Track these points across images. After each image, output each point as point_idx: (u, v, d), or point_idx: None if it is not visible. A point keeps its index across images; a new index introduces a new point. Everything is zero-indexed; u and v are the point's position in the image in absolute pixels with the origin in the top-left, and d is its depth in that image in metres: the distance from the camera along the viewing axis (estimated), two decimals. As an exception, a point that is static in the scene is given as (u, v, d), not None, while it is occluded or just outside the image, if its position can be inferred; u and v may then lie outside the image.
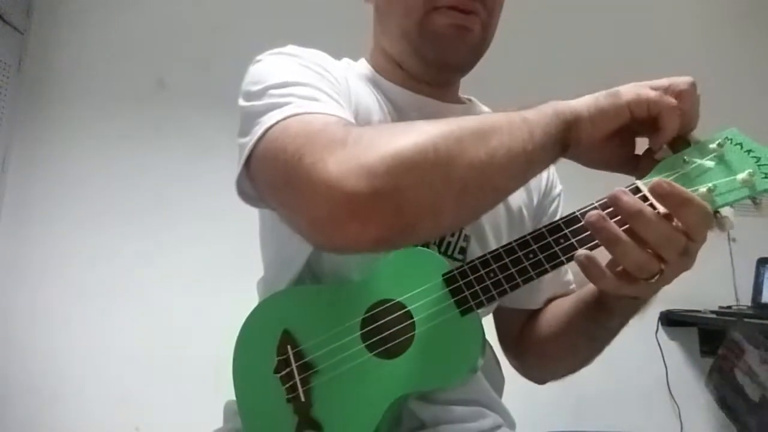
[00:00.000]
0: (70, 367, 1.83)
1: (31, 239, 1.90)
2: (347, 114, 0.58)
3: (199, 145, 1.95)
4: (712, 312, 2.04)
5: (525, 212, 0.79)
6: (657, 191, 0.50)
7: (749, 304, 2.10)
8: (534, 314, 0.82)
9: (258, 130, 0.55)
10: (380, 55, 0.78)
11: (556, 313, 0.79)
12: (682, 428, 2.10)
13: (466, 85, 0.85)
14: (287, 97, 0.57)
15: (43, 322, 1.85)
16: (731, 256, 2.14)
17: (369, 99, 0.73)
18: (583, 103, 0.57)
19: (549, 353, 0.79)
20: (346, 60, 0.80)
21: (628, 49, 2.25)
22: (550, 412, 1.75)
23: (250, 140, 0.55)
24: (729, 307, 2.06)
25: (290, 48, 0.68)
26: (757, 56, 2.34)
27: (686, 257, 0.51)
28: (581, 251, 0.53)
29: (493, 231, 0.74)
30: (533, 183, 0.81)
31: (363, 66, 0.79)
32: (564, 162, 0.60)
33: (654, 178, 0.52)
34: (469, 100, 0.85)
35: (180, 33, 2.04)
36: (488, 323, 0.82)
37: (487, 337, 0.81)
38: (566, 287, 0.82)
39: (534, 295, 0.81)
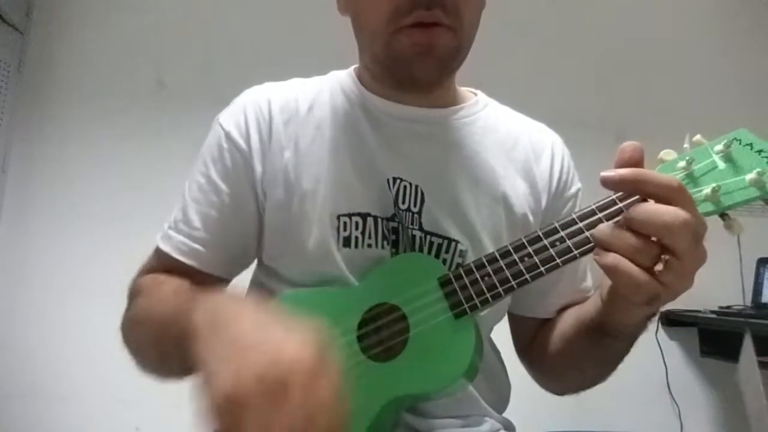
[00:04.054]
0: (71, 368, 1.83)
1: (31, 239, 1.90)
2: (202, 235, 0.73)
3: (199, 145, 1.93)
4: (712, 312, 2.04)
5: (531, 218, 0.74)
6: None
7: (749, 304, 2.10)
8: (545, 323, 0.79)
9: (159, 241, 0.75)
10: (363, 66, 0.78)
11: (562, 329, 0.75)
12: (682, 428, 2.10)
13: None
14: (177, 214, 0.75)
15: (43, 322, 1.85)
16: (730, 257, 2.14)
17: (340, 117, 0.74)
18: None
19: (558, 370, 0.77)
20: (332, 73, 0.80)
21: (631, 49, 2.25)
22: (550, 412, 1.74)
23: (159, 241, 0.75)
24: (729, 307, 2.06)
25: (222, 131, 0.75)
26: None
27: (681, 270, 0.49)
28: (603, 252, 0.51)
29: (493, 241, 0.71)
30: (541, 184, 0.76)
31: (347, 77, 0.78)
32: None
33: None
34: (474, 94, 0.81)
35: (180, 33, 2.03)
36: (499, 328, 0.81)
37: (497, 342, 0.81)
38: (582, 294, 0.77)
39: (545, 302, 0.78)
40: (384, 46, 0.67)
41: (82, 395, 1.82)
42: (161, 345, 0.63)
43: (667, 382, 2.11)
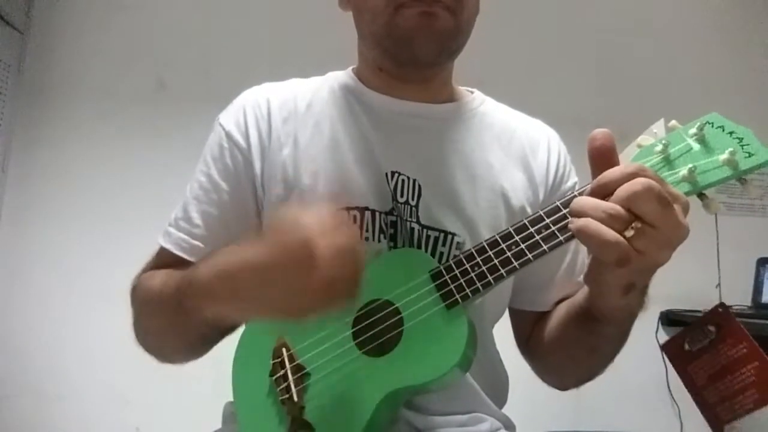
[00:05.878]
0: (71, 368, 1.83)
1: (31, 239, 1.91)
2: (203, 231, 0.74)
3: (199, 145, 1.92)
4: (712, 312, 2.04)
5: (529, 210, 0.75)
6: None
7: (749, 304, 2.10)
8: (543, 316, 0.80)
9: (160, 239, 0.76)
10: (362, 62, 0.79)
11: (556, 320, 0.76)
12: (682, 428, 2.09)
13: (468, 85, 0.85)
14: (178, 212, 0.76)
15: (43, 322, 1.85)
16: (731, 256, 2.14)
17: (339, 114, 0.75)
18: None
19: (554, 362, 0.78)
20: (330, 74, 0.81)
21: (631, 48, 2.25)
22: (550, 412, 1.75)
23: (160, 239, 0.76)
24: (729, 308, 2.06)
25: (223, 131, 0.76)
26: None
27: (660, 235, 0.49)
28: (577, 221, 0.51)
29: (493, 233, 0.70)
30: (539, 178, 0.77)
31: (346, 76, 0.80)
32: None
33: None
34: (471, 92, 0.83)
35: (180, 33, 2.04)
36: (499, 326, 0.82)
37: (498, 338, 0.81)
38: (580, 286, 0.77)
39: (544, 295, 0.79)
40: (385, 24, 0.68)
41: (82, 395, 1.82)
42: (167, 318, 0.66)
43: (667, 382, 2.10)
